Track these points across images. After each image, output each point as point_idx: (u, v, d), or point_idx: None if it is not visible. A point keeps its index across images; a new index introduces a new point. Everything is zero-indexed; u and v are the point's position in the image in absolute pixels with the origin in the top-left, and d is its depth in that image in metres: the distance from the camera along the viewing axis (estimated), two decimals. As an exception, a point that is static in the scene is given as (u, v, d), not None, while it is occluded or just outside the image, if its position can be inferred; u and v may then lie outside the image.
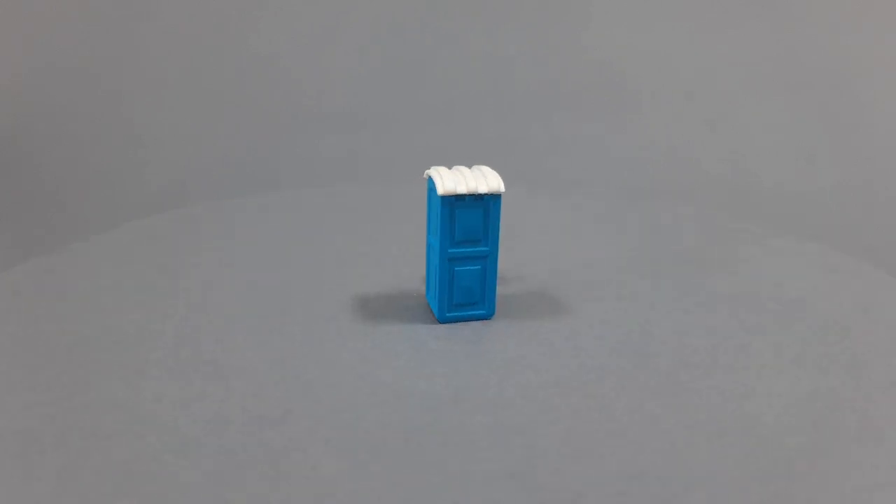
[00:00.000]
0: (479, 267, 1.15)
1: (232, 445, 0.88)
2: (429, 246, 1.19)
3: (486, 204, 1.11)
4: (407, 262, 1.38)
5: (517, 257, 1.42)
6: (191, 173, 2.41)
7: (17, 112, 2.61)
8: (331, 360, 1.09)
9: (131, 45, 2.68)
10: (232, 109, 2.62)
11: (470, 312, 1.17)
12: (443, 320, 1.17)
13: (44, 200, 2.36)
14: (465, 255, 1.14)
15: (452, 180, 1.11)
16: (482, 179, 1.11)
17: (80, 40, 2.68)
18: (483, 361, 1.07)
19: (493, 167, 1.17)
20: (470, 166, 1.22)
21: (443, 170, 1.15)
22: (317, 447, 0.88)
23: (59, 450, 0.86)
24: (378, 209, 1.69)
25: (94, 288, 1.29)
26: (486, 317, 1.18)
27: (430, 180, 1.13)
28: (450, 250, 1.14)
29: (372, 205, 1.73)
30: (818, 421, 0.91)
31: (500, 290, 1.28)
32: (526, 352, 1.09)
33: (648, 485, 0.81)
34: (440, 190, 1.09)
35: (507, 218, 1.55)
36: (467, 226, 1.13)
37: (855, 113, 2.47)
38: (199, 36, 2.68)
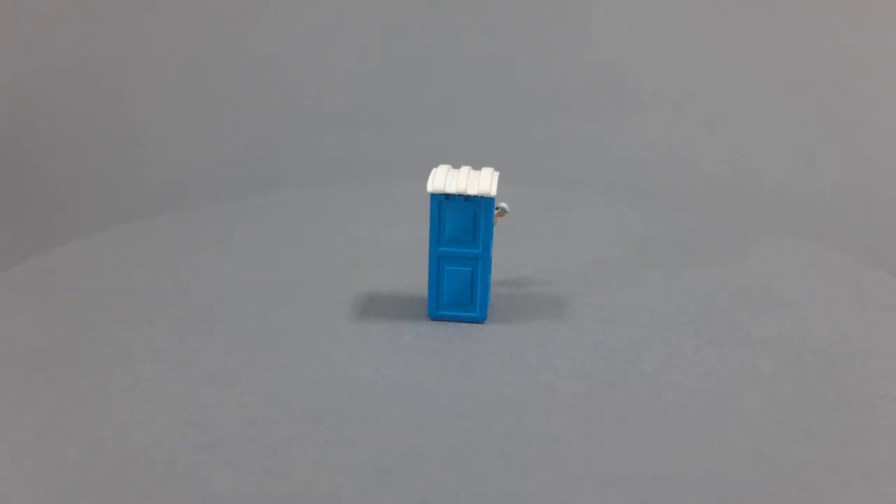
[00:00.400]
0: (468, 269, 1.14)
1: (177, 395, 0.97)
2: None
3: (476, 206, 1.10)
4: (406, 262, 1.38)
5: (517, 258, 1.42)
6: (191, 173, 2.41)
7: (16, 112, 2.61)
8: (298, 344, 1.10)
9: (131, 45, 2.68)
10: (232, 109, 2.62)
11: (460, 313, 1.16)
12: (433, 317, 1.17)
13: (44, 200, 2.36)
14: (454, 255, 1.13)
15: (443, 178, 1.11)
16: (475, 181, 1.10)
17: (80, 40, 2.68)
18: (443, 362, 1.06)
19: (493, 167, 1.17)
20: (479, 167, 1.22)
21: (443, 168, 1.15)
22: (231, 409, 0.95)
23: (47, 371, 0.97)
24: (378, 209, 1.69)
25: (93, 287, 1.29)
26: (478, 320, 1.16)
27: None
28: (439, 248, 1.13)
29: (372, 205, 1.73)
30: (747, 490, 0.85)
31: (498, 290, 1.28)
32: (493, 359, 1.07)
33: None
34: (429, 186, 1.09)
35: (507, 218, 1.55)
36: (456, 226, 1.12)
37: (855, 113, 2.47)
38: (200, 36, 2.69)
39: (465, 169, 1.16)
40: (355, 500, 0.81)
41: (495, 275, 1.31)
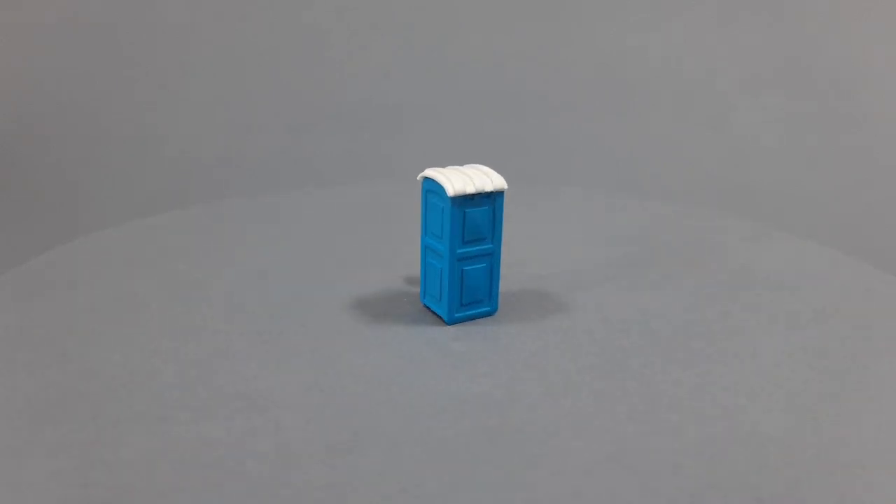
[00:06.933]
0: (485, 265, 1.16)
1: (175, 393, 0.90)
2: (426, 248, 1.19)
3: (490, 201, 1.13)
4: (407, 262, 1.38)
5: (516, 257, 1.42)
6: (191, 173, 2.41)
7: (17, 112, 2.61)
8: (301, 343, 1.10)
9: (132, 45, 2.68)
10: (233, 109, 2.62)
11: (476, 311, 1.17)
12: (451, 321, 1.17)
13: (44, 200, 2.36)
14: (473, 254, 1.15)
15: (461, 181, 1.11)
16: (486, 178, 1.12)
17: (81, 40, 2.68)
18: (446, 360, 1.07)
19: (494, 167, 1.17)
20: (462, 166, 1.23)
21: (441, 171, 1.15)
22: (228, 407, 0.91)
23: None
24: (378, 209, 1.70)
25: (93, 288, 1.30)
26: (491, 313, 1.18)
27: (427, 181, 1.14)
28: (458, 251, 1.14)
29: (372, 205, 1.73)
30: (813, 425, 0.90)
31: (500, 288, 1.28)
32: (497, 359, 1.08)
33: (649, 495, 0.81)
34: (449, 191, 1.09)
35: (507, 218, 1.55)
36: (476, 224, 1.14)
37: (855, 113, 2.47)
38: (201, 35, 2.69)
39: (456, 167, 1.17)
40: (368, 499, 0.81)
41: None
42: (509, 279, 1.33)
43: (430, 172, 1.12)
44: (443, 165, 1.20)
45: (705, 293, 1.29)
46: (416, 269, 1.36)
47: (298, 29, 2.70)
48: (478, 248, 1.15)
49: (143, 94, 2.66)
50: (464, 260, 1.15)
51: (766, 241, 1.54)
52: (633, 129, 2.50)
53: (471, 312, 1.18)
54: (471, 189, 1.10)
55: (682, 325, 1.18)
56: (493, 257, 1.17)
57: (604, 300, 1.23)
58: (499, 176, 1.12)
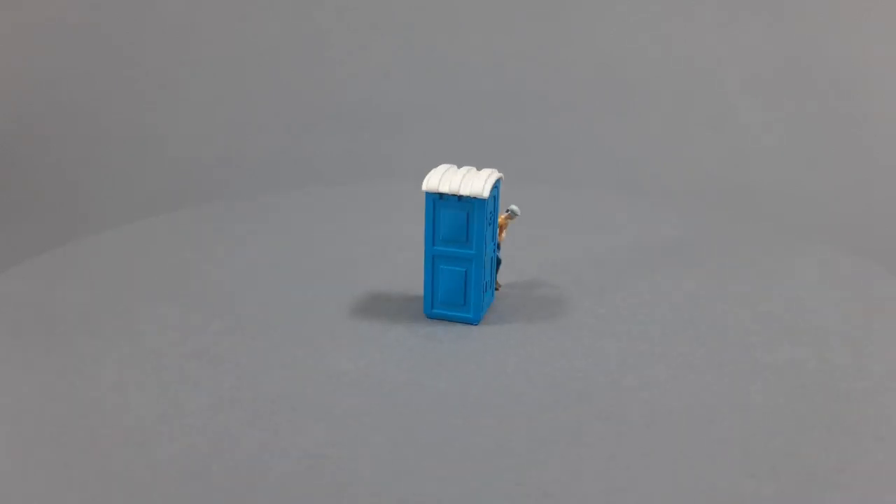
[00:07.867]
0: (462, 269, 1.13)
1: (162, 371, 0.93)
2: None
3: (469, 206, 1.10)
4: (407, 262, 1.38)
5: (517, 259, 1.42)
6: (191, 173, 2.41)
7: (17, 112, 2.61)
8: (288, 336, 1.11)
9: (132, 45, 2.68)
10: (233, 109, 2.62)
11: (454, 313, 1.16)
12: (429, 316, 1.17)
13: (44, 200, 2.36)
14: (448, 255, 1.13)
15: (439, 178, 1.11)
16: (470, 181, 1.10)
17: (81, 40, 2.68)
18: (422, 360, 1.07)
19: (494, 167, 1.17)
20: (482, 168, 1.21)
21: (442, 168, 1.15)
22: (206, 386, 0.98)
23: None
24: (378, 209, 1.70)
25: (92, 287, 1.30)
26: (471, 321, 1.16)
27: None
28: (433, 247, 1.13)
29: (372, 205, 1.73)
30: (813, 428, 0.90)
31: (499, 291, 1.28)
32: (474, 362, 1.07)
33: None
34: (424, 185, 1.09)
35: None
36: (450, 226, 1.12)
37: (855, 113, 2.47)
38: (201, 35, 2.69)
39: (465, 169, 1.16)
40: (311, 489, 0.81)
41: (503, 276, 1.32)
42: (509, 281, 1.33)
43: (443, 185, 1.11)
44: (449, 165, 1.19)
45: (704, 296, 1.29)
46: (415, 269, 1.35)
47: (298, 29, 2.70)
48: (454, 250, 1.13)
49: (143, 94, 2.65)
50: (440, 258, 1.13)
51: (765, 241, 1.54)
52: (633, 129, 2.50)
53: (449, 313, 1.17)
54: (445, 188, 1.09)
55: (677, 339, 1.17)
56: (471, 263, 1.13)
57: (597, 316, 1.22)
58: (484, 185, 1.09)
